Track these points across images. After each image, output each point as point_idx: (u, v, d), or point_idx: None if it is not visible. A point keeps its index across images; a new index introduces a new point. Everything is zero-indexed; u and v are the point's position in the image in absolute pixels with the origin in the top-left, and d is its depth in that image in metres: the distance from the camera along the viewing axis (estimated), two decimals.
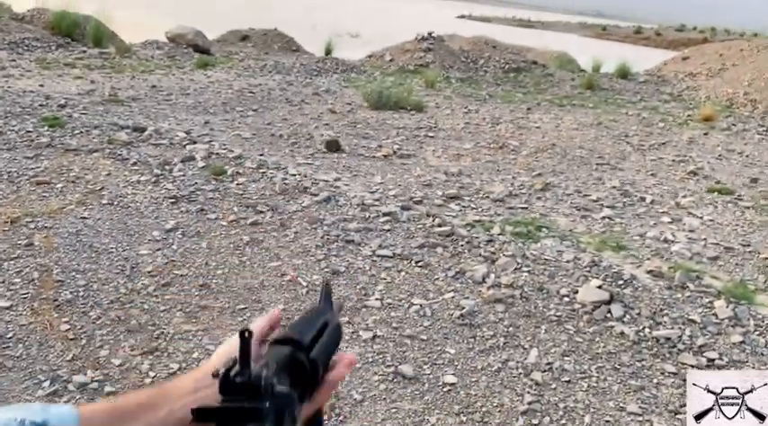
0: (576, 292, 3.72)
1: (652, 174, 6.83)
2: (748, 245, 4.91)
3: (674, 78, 15.28)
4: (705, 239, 4.96)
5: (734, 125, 10.26)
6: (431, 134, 7.73)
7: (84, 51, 11.06)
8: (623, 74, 14.74)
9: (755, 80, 12.96)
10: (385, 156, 6.51)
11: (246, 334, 0.49)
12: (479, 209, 5.15)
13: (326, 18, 30.18)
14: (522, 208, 5.30)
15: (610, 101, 11.82)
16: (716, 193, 6.27)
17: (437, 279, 3.84)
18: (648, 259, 4.40)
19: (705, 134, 9.32)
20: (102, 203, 4.47)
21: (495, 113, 9.47)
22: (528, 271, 3.95)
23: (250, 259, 3.92)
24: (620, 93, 12.85)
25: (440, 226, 4.52)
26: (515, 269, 3.98)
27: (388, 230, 4.43)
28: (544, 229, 4.77)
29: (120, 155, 5.43)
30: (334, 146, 6.56)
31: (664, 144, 8.41)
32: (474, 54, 14.85)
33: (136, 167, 5.21)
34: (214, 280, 3.63)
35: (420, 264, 3.98)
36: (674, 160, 7.53)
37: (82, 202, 4.45)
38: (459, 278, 3.86)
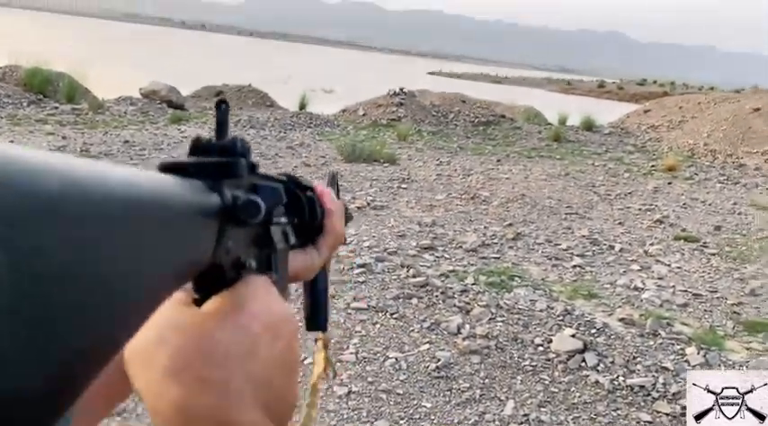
0: (551, 341, 3.73)
1: (620, 223, 6.99)
2: (716, 292, 5.02)
3: (636, 130, 15.88)
4: (674, 286, 5.05)
5: (696, 174, 10.64)
6: (404, 185, 7.83)
7: (57, 107, 11.06)
8: (588, 126, 15.27)
9: (714, 131, 13.55)
10: (359, 208, 6.56)
11: (223, 106, 0.41)
12: (453, 259, 5.19)
13: (301, 74, 30.82)
14: (495, 257, 5.36)
15: (576, 152, 12.19)
16: (682, 241, 6.43)
17: (412, 330, 3.81)
18: (620, 307, 4.45)
19: (669, 183, 9.63)
20: None
21: (466, 165, 9.67)
22: (502, 321, 3.96)
23: None
24: (586, 145, 13.26)
25: (414, 276, 4.53)
26: (490, 319, 3.98)
27: (363, 282, 4.42)
28: (517, 278, 4.81)
29: None
30: None
31: (630, 193, 8.66)
32: (444, 108, 15.27)
33: None
34: None
35: (395, 316, 3.96)
36: (640, 209, 7.74)
37: None
38: (435, 329, 3.84)
